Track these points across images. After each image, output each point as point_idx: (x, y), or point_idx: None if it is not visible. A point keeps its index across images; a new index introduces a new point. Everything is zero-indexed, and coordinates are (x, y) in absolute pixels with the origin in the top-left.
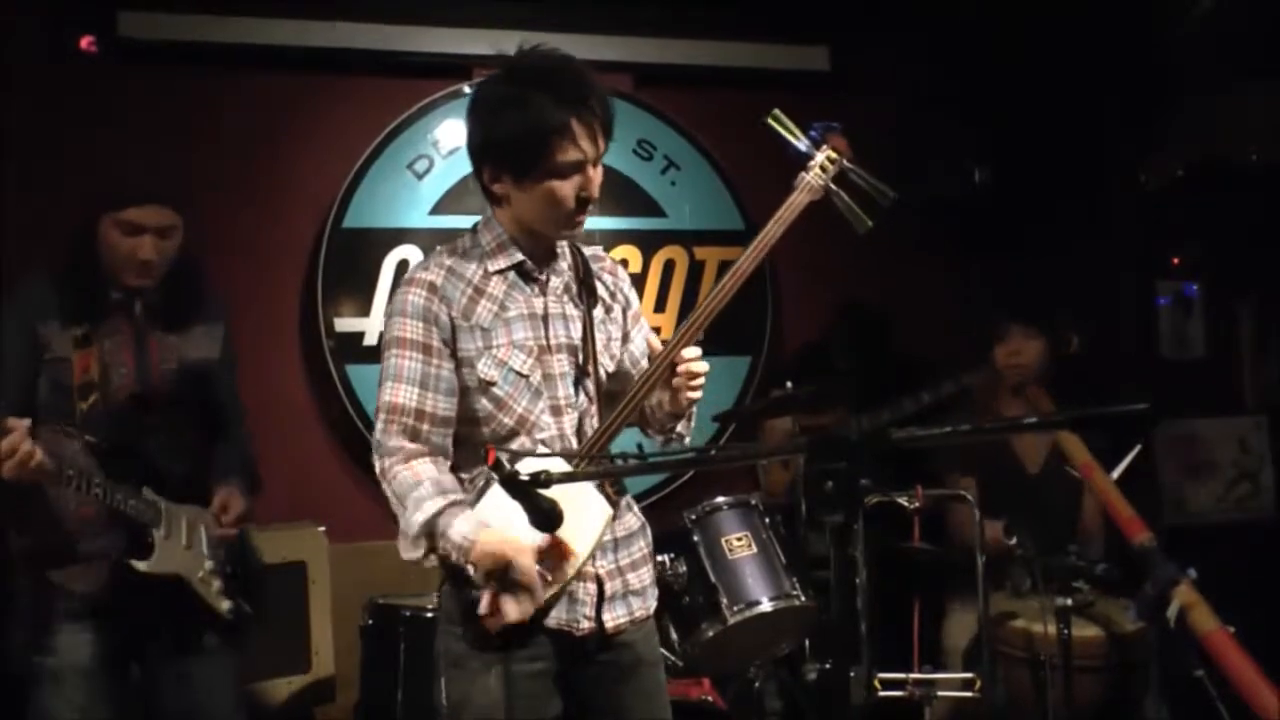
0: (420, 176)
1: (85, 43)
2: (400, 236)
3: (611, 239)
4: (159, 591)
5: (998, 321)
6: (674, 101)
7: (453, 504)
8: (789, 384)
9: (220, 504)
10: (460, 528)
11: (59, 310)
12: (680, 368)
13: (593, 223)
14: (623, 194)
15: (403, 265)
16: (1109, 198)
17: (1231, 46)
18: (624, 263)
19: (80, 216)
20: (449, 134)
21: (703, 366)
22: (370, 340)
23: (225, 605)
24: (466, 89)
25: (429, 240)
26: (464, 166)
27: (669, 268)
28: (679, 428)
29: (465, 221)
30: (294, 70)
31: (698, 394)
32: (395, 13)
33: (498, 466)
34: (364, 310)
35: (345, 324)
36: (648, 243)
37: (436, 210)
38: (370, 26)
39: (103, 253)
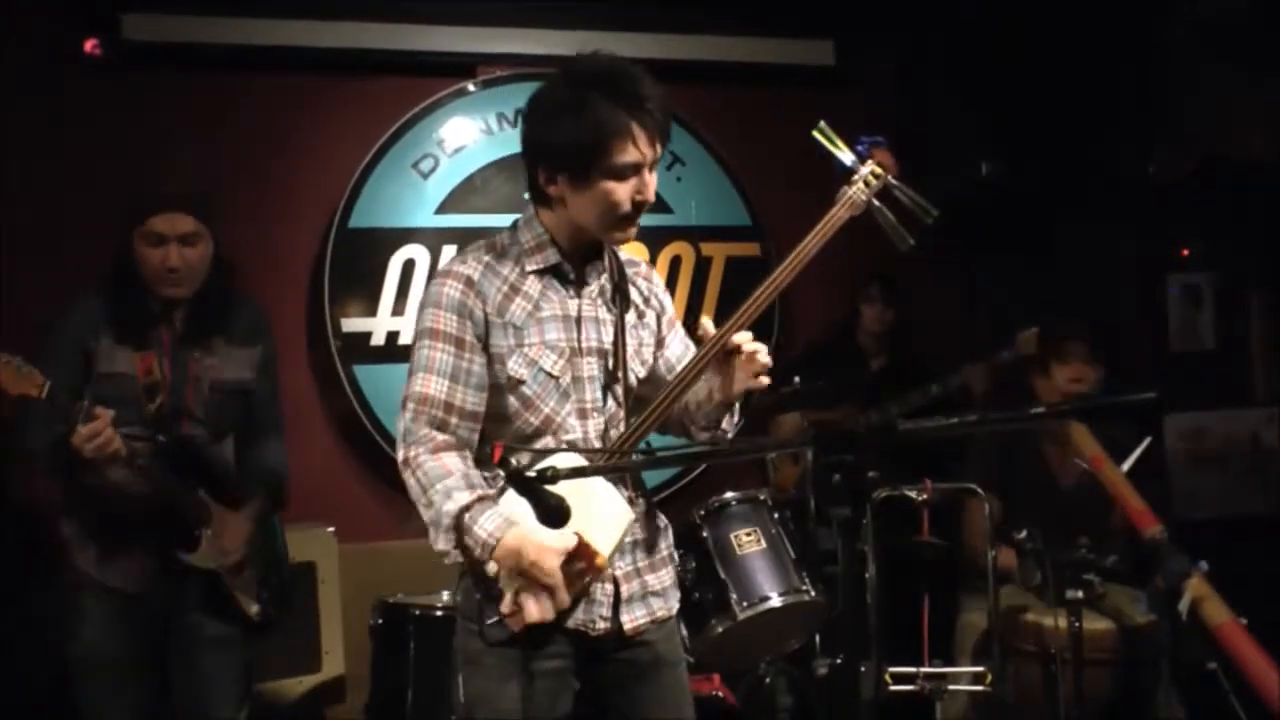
0: (426, 176)
1: (89, 46)
2: (406, 236)
3: None
4: (192, 586)
5: (1058, 339)
6: (679, 97)
7: (481, 499)
8: (796, 379)
9: (229, 535)
10: (486, 524)
11: (108, 326)
12: (745, 350)
13: None
14: None
15: (409, 265)
16: (1119, 192)
17: (1243, 40)
18: None
19: (114, 231)
20: (454, 133)
21: (762, 346)
22: (377, 340)
23: (254, 609)
24: (471, 87)
25: (435, 240)
26: (469, 165)
27: (675, 264)
28: (724, 423)
29: (471, 220)
30: (298, 71)
31: (762, 379)
32: (399, 12)
33: (504, 463)
34: (370, 310)
35: (352, 324)
36: (654, 239)
37: (442, 209)
38: (374, 26)
39: (141, 270)
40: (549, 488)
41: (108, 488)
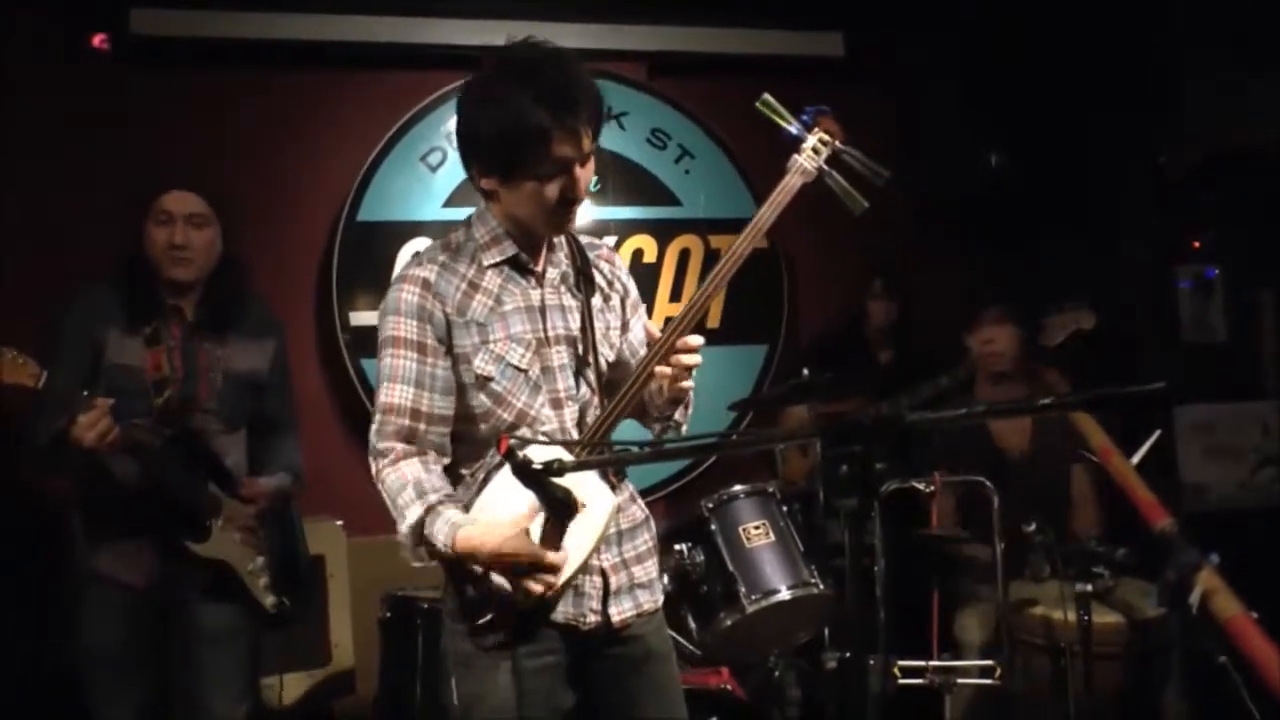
0: (433, 169)
1: (98, 40)
2: (414, 229)
3: (626, 228)
4: (201, 578)
5: (973, 311)
6: (687, 90)
7: (430, 509)
8: (805, 371)
9: (241, 527)
10: (438, 536)
11: (119, 317)
12: (674, 357)
13: (608, 212)
14: (637, 183)
15: (417, 258)
16: (1130, 183)
17: (1255, 31)
18: (639, 252)
19: (127, 216)
20: None
21: (695, 359)
22: None
23: (270, 600)
24: None
25: (443, 233)
26: None
27: (684, 256)
28: (676, 415)
29: None
30: (306, 65)
31: (689, 383)
32: (407, 5)
33: (510, 455)
34: (378, 304)
35: (360, 318)
36: (663, 232)
37: (450, 203)
38: (382, 19)
39: (149, 253)
40: (555, 480)
41: (115, 481)
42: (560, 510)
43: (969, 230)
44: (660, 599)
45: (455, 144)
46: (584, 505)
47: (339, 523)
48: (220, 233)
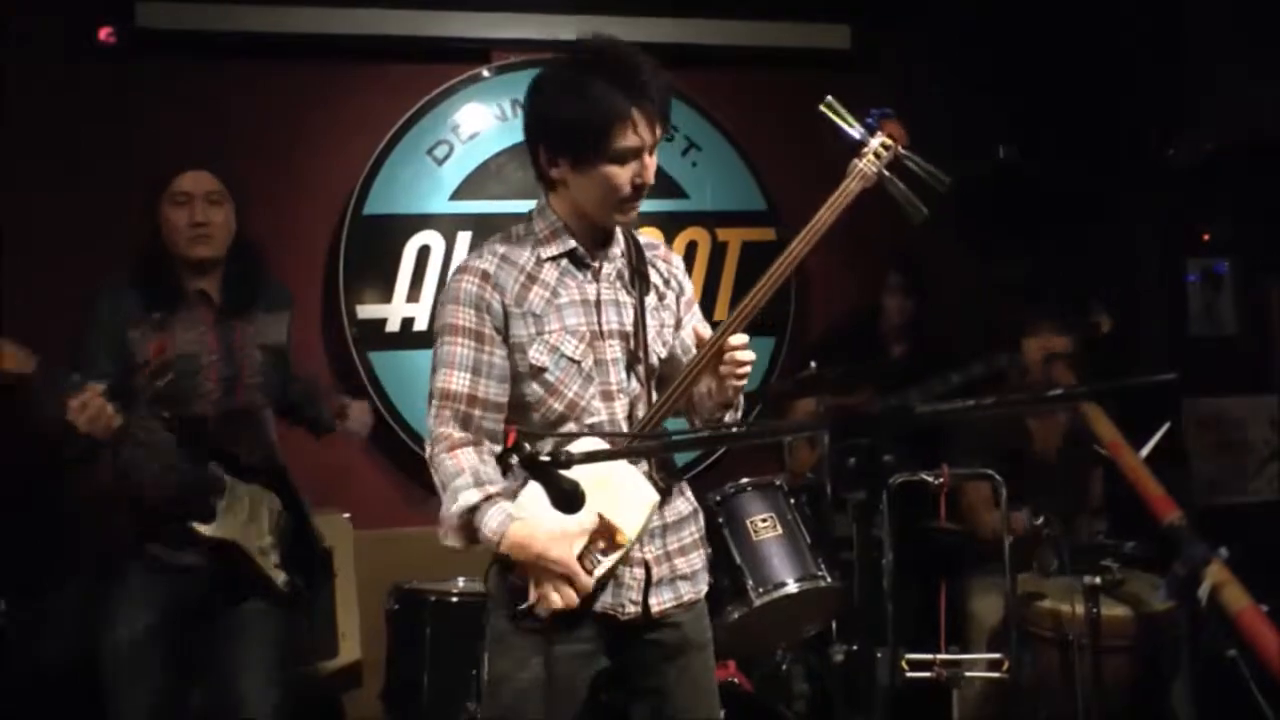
0: (440, 162)
1: (104, 34)
2: (421, 222)
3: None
4: (217, 558)
5: (1029, 316)
6: (694, 81)
7: (488, 497)
8: (813, 364)
9: (249, 507)
10: (490, 523)
11: (142, 311)
12: (726, 355)
13: None
14: None
15: (424, 251)
16: (1139, 174)
17: (1261, 23)
18: None
19: (144, 213)
20: (469, 119)
21: (749, 355)
22: (393, 327)
23: (281, 578)
24: (485, 73)
25: (450, 226)
26: (484, 151)
27: (691, 249)
28: (726, 417)
29: (486, 207)
30: (312, 57)
31: (743, 382)
32: None
33: (517, 448)
34: (385, 297)
35: (367, 311)
36: (670, 224)
37: (457, 195)
38: (388, 12)
39: (167, 237)
40: (564, 472)
41: (130, 467)
42: (567, 502)
43: (977, 224)
44: (703, 589)
45: (524, 130)
46: (624, 499)
47: (346, 515)
48: (234, 210)
